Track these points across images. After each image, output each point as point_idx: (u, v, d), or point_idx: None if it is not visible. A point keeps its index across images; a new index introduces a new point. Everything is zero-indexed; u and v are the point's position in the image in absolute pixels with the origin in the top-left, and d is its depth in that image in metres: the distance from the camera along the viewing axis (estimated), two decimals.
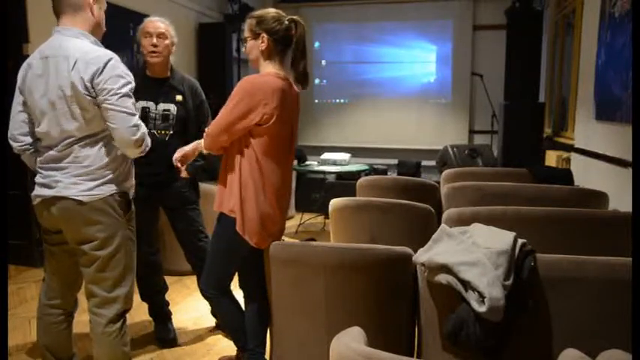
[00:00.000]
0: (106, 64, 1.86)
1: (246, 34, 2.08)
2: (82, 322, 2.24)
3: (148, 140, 1.96)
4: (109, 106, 1.86)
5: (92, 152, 1.92)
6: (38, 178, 1.99)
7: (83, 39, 1.91)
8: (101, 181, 1.93)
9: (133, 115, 1.89)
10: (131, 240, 2.07)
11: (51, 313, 2.14)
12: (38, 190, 1.98)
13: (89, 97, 1.85)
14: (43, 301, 2.15)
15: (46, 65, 1.89)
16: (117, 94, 1.86)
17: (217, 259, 2.18)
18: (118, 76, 1.87)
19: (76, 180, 1.91)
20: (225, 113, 2.00)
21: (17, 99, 2.01)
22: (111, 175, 1.95)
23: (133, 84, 1.94)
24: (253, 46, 2.07)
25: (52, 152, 1.93)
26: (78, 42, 1.89)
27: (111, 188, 1.95)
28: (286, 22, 2.07)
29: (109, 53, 1.90)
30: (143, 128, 1.93)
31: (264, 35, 2.03)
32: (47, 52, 1.91)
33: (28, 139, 2.02)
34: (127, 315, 2.10)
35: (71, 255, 2.05)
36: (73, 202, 1.91)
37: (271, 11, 2.08)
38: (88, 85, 1.84)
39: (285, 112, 2.03)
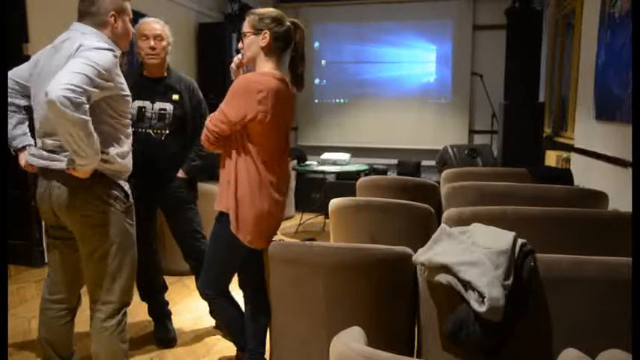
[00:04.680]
0: (96, 48, 1.84)
1: (247, 29, 2.08)
2: (83, 321, 2.24)
3: (81, 119, 1.69)
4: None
5: None
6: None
7: (94, 36, 1.93)
8: (90, 179, 1.91)
9: (77, 74, 1.71)
10: (130, 234, 2.08)
11: (53, 308, 2.16)
12: (40, 190, 2.00)
13: None
14: (46, 295, 2.17)
15: (54, 55, 1.93)
16: (79, 57, 1.78)
17: (215, 260, 2.17)
18: (91, 59, 1.79)
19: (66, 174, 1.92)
20: (222, 108, 2.02)
21: (23, 72, 2.06)
22: (100, 169, 1.94)
23: (104, 78, 1.82)
24: (253, 42, 2.07)
25: (46, 142, 1.96)
26: (88, 36, 1.92)
27: (100, 185, 1.94)
28: (287, 23, 2.09)
29: (107, 47, 1.89)
30: (79, 100, 1.68)
31: (267, 32, 2.04)
32: (58, 42, 1.96)
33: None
34: (127, 312, 2.11)
35: (75, 250, 2.06)
36: (66, 192, 1.92)
37: (274, 10, 2.10)
38: None
39: (280, 112, 2.02)
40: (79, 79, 1.71)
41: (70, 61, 1.79)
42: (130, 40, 2.09)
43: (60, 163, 1.92)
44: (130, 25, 2.06)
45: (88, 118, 1.73)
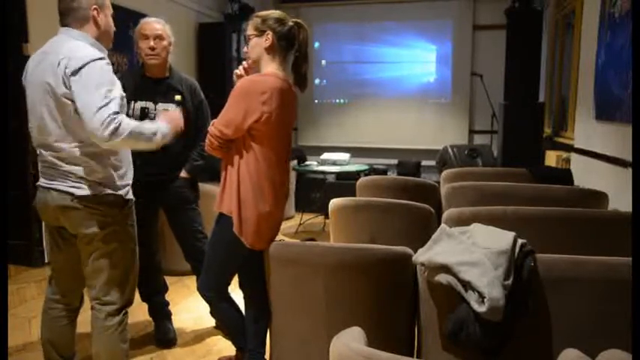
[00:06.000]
0: (87, 62, 1.82)
1: (250, 32, 2.09)
2: (83, 322, 2.24)
3: (127, 138, 1.82)
4: (75, 93, 1.80)
5: (72, 156, 1.91)
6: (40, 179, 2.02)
7: (82, 40, 1.92)
8: (88, 184, 1.93)
9: (102, 109, 1.77)
10: (131, 235, 2.08)
11: (55, 307, 2.16)
12: (39, 195, 2.01)
13: (64, 99, 1.84)
14: (49, 295, 2.17)
15: (42, 61, 1.91)
16: (86, 86, 1.80)
17: (215, 261, 2.17)
18: (95, 79, 1.81)
19: (64, 180, 1.93)
20: (226, 111, 2.01)
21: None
22: (98, 178, 1.94)
23: (114, 90, 1.85)
24: (257, 44, 2.08)
25: (44, 153, 1.95)
26: (76, 42, 1.90)
27: (98, 190, 1.94)
28: (290, 24, 2.09)
29: (98, 54, 1.88)
30: (121, 126, 1.79)
31: (269, 32, 2.05)
32: (47, 48, 1.94)
33: None
34: (128, 312, 2.11)
35: (76, 250, 2.05)
36: (66, 197, 1.92)
37: (276, 12, 2.11)
38: (66, 80, 1.82)
39: (284, 113, 2.03)
40: (105, 108, 1.77)
41: (83, 91, 1.79)
42: (112, 37, 2.06)
43: (62, 186, 1.93)
44: (111, 22, 2.04)
45: (129, 130, 1.81)
